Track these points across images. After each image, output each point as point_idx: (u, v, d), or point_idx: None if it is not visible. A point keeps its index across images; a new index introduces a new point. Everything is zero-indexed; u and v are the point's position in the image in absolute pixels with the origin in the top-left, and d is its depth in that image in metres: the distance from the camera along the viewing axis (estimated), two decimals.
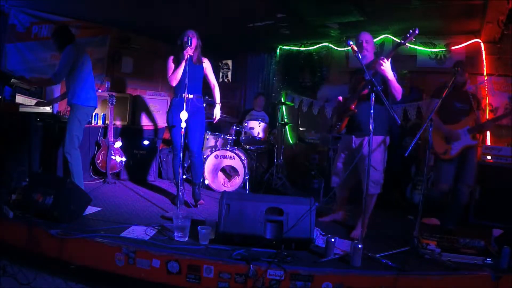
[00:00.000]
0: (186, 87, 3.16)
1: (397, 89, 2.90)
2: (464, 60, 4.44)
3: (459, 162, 3.45)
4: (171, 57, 3.55)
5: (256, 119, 4.88)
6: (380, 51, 5.16)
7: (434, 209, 3.72)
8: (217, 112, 3.72)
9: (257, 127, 4.80)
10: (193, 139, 3.58)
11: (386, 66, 2.77)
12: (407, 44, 2.69)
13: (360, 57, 2.80)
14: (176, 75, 3.41)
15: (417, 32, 2.56)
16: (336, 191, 3.38)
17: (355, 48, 2.85)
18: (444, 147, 3.44)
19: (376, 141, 3.00)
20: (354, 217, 3.45)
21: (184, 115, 3.12)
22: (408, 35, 2.60)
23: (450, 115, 3.44)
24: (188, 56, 3.28)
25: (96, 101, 3.69)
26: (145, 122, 5.09)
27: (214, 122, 3.75)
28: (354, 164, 3.03)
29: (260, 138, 4.77)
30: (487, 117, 4.43)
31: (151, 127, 5.08)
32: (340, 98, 3.22)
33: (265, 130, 4.84)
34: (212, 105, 3.79)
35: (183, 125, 3.13)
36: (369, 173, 2.69)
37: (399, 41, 2.69)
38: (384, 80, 2.85)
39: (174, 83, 3.48)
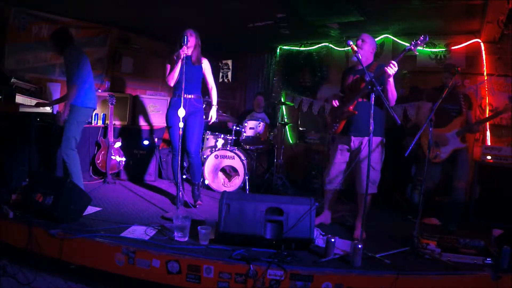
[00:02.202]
0: (183, 86, 3.16)
1: (394, 95, 2.90)
2: (454, 63, 4.43)
3: (450, 163, 3.52)
4: (170, 57, 3.54)
5: (256, 120, 4.89)
6: (380, 51, 5.17)
7: (434, 209, 3.73)
8: (212, 114, 3.72)
9: (257, 127, 4.80)
10: (190, 140, 3.57)
11: (395, 69, 2.73)
12: (407, 43, 2.70)
13: (360, 57, 2.80)
14: (173, 74, 3.40)
15: (427, 39, 2.55)
16: (327, 193, 3.36)
17: (355, 48, 2.86)
18: (434, 151, 3.53)
19: (376, 141, 3.01)
20: (353, 217, 3.45)
21: (181, 112, 3.12)
22: (419, 41, 2.57)
23: (441, 117, 3.45)
24: (185, 55, 3.27)
25: (95, 103, 3.68)
26: (144, 122, 5.09)
27: (210, 123, 3.75)
28: (353, 165, 3.04)
29: (260, 138, 4.77)
30: (487, 116, 4.45)
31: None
32: (336, 102, 3.20)
33: (265, 130, 4.84)
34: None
35: (181, 124, 3.13)
36: (369, 173, 2.68)
37: (408, 45, 2.65)
38: (382, 82, 2.84)
39: (171, 83, 3.47)
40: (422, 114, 3.78)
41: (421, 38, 2.54)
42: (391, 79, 2.80)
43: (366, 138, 3.03)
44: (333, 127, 3.19)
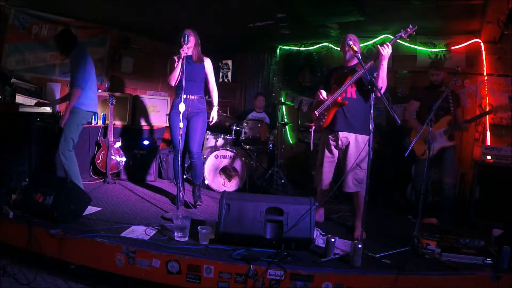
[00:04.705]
0: (185, 85, 3.16)
1: (385, 82, 2.90)
2: (439, 60, 4.70)
3: (437, 160, 3.62)
4: (171, 57, 3.54)
5: (257, 120, 4.88)
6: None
7: (434, 209, 3.73)
8: (214, 115, 3.71)
9: (257, 127, 4.79)
10: (192, 141, 3.57)
11: (389, 51, 2.78)
12: (407, 43, 2.75)
13: (360, 57, 2.80)
14: (174, 73, 3.40)
15: (416, 27, 2.72)
16: (319, 193, 3.35)
17: (355, 48, 2.87)
18: (422, 148, 3.59)
19: (364, 140, 3.02)
20: (353, 217, 3.45)
21: (182, 107, 3.12)
22: (408, 29, 2.73)
23: (429, 115, 3.46)
24: (185, 54, 3.27)
25: (96, 106, 3.69)
26: (145, 122, 5.09)
27: (210, 124, 3.75)
28: (345, 162, 3.06)
29: (260, 138, 4.77)
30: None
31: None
32: (322, 95, 3.17)
33: (265, 131, 4.83)
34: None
35: (181, 125, 3.13)
36: (369, 171, 2.67)
37: (399, 33, 2.78)
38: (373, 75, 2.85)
39: (173, 83, 3.46)
40: (407, 112, 3.87)
41: (410, 27, 2.73)
42: (384, 63, 2.83)
43: (353, 135, 3.06)
44: (320, 120, 3.17)
